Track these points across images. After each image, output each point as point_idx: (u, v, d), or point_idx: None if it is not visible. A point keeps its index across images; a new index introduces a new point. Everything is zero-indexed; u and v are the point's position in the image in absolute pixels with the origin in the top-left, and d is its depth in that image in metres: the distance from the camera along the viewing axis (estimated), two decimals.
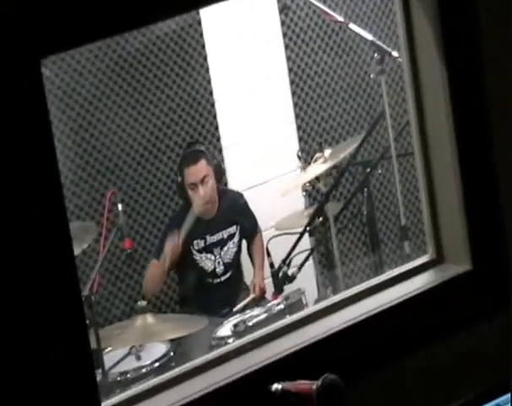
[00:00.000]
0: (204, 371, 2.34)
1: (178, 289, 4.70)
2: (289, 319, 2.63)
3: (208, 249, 4.54)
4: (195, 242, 4.52)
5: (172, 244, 4.31)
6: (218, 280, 4.56)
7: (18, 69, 1.97)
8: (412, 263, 2.83)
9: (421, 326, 2.61)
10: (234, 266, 4.62)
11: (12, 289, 2.01)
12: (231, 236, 4.61)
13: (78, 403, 2.04)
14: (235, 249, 4.61)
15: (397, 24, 2.74)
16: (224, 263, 4.57)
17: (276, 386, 2.06)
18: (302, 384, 2.03)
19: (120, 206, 4.17)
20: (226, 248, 4.58)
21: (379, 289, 2.70)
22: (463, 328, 2.65)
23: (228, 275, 4.59)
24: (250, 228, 4.69)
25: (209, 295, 4.51)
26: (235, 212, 4.65)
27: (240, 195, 4.77)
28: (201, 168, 4.45)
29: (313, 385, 1.98)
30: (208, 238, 4.56)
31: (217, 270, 4.55)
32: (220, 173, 4.57)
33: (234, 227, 4.62)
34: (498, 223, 2.73)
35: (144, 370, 3.55)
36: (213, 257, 4.55)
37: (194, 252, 4.52)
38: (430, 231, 2.81)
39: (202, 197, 4.42)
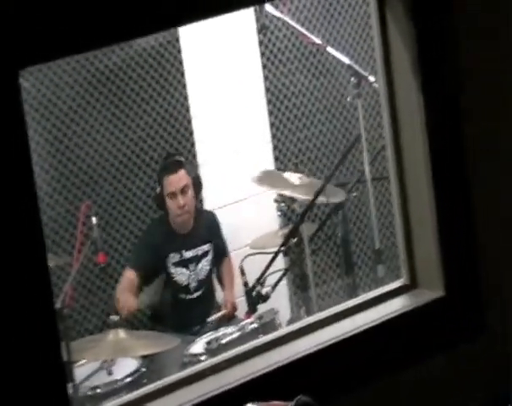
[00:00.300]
0: (177, 389, 2.34)
1: (150, 304, 4.69)
2: (263, 339, 2.64)
3: (183, 263, 4.56)
4: (171, 255, 4.54)
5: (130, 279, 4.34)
6: (191, 296, 4.56)
7: None
8: (386, 287, 2.86)
9: (394, 350, 2.63)
10: (207, 283, 4.63)
11: None
12: (205, 253, 4.63)
13: None
14: (208, 268, 4.63)
15: (374, 49, 2.77)
16: (198, 279, 4.58)
17: None
18: (276, 405, 2.03)
19: (94, 220, 4.16)
20: (200, 265, 4.60)
21: (354, 312, 2.72)
22: (435, 353, 2.67)
23: (201, 292, 4.59)
24: (220, 251, 4.72)
25: (182, 311, 4.51)
26: (209, 231, 4.67)
27: (213, 215, 4.79)
28: (181, 177, 4.47)
29: None
30: (183, 253, 4.57)
31: (191, 285, 4.56)
32: (198, 186, 4.59)
33: (208, 245, 4.64)
34: (471, 251, 2.77)
35: (115, 386, 3.52)
36: (187, 272, 4.57)
37: (170, 265, 4.55)
38: (404, 256, 2.84)
39: (181, 206, 4.44)
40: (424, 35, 2.65)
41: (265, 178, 4.72)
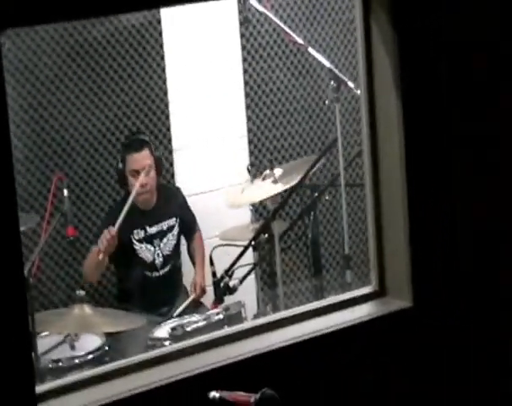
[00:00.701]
0: (141, 369, 2.35)
1: (117, 282, 4.70)
2: (230, 329, 2.66)
3: (148, 239, 4.56)
4: (135, 231, 4.54)
5: (108, 235, 4.31)
6: (157, 274, 4.56)
7: None
8: (355, 292, 2.89)
9: (357, 354, 2.66)
10: (173, 259, 4.63)
11: None
12: (171, 228, 4.63)
13: (13, 384, 2.04)
14: (174, 242, 4.63)
15: (357, 55, 2.80)
16: (163, 255, 4.59)
17: (214, 394, 2.08)
18: (240, 395, 2.06)
19: (66, 192, 4.14)
20: (165, 239, 4.61)
21: (321, 313, 2.74)
22: (397, 362, 2.71)
23: (167, 269, 4.59)
24: (189, 225, 4.71)
25: (148, 289, 4.50)
26: (174, 205, 4.67)
27: (178, 190, 4.81)
28: (145, 156, 4.48)
29: (252, 397, 2.01)
30: (148, 228, 4.57)
31: (156, 261, 4.56)
32: (160, 167, 4.59)
33: (174, 219, 4.64)
34: (441, 264, 2.80)
35: (76, 361, 3.49)
36: (152, 248, 4.57)
37: (135, 242, 4.54)
38: (375, 263, 2.87)
39: (144, 185, 4.44)
40: (407, 44, 2.67)
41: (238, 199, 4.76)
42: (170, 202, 4.65)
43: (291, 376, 2.47)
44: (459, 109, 2.79)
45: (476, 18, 2.78)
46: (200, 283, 4.56)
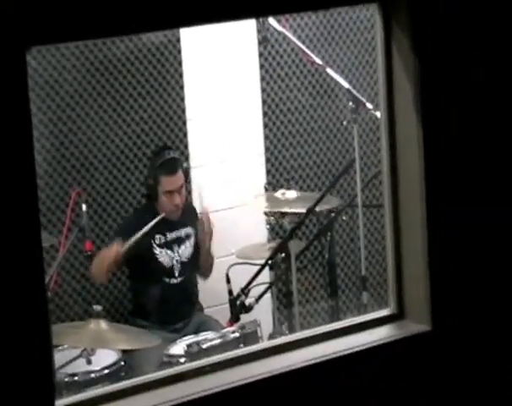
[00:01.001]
0: (158, 387, 2.34)
1: (132, 291, 4.71)
2: (247, 349, 2.64)
3: (168, 245, 4.63)
4: (157, 236, 4.60)
5: (117, 248, 4.34)
6: (174, 281, 4.62)
7: (3, 56, 2.00)
8: (373, 315, 2.87)
9: (374, 377, 2.65)
10: (190, 268, 4.69)
11: None
12: (188, 236, 4.71)
13: (33, 396, 2.04)
14: (191, 250, 4.69)
15: (377, 77, 2.79)
16: (181, 262, 4.65)
17: None
18: None
19: (84, 207, 4.17)
20: (183, 246, 4.67)
21: (339, 335, 2.72)
22: (416, 386, 2.69)
23: (184, 278, 4.65)
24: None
25: (165, 297, 4.55)
26: (191, 217, 4.74)
27: (194, 207, 4.87)
28: (179, 178, 4.55)
29: None
30: (167, 234, 4.65)
31: (174, 267, 4.63)
32: (187, 178, 4.68)
33: (190, 228, 4.71)
34: (461, 287, 2.78)
35: (92, 375, 3.52)
36: (172, 254, 4.64)
37: (155, 246, 4.60)
38: (393, 286, 2.85)
39: (177, 205, 4.54)
40: (428, 69, 2.67)
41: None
42: (189, 212, 4.72)
43: (309, 397, 2.45)
44: (480, 132, 2.78)
45: (502, 45, 2.78)
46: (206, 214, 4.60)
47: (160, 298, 4.55)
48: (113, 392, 2.30)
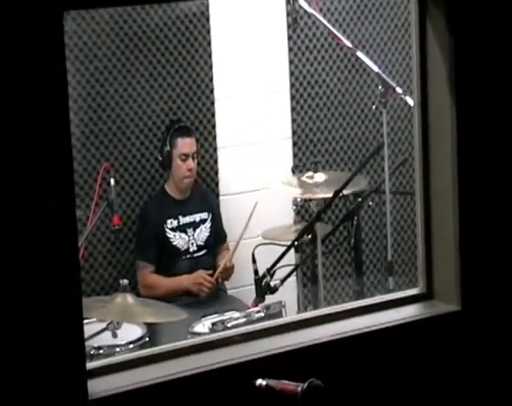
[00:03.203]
0: (187, 354, 2.35)
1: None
2: (274, 321, 2.65)
3: (181, 228, 4.69)
4: (169, 221, 4.67)
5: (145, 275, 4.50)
6: (191, 256, 4.69)
7: (41, 18, 2.02)
8: (401, 293, 2.86)
9: (402, 354, 2.64)
10: (208, 248, 4.75)
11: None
12: (204, 221, 4.75)
13: (65, 364, 2.05)
14: (207, 234, 4.74)
15: (411, 61, 2.77)
16: (197, 244, 4.71)
17: (261, 382, 2.07)
18: (287, 384, 2.04)
19: (112, 181, 4.18)
20: (198, 230, 4.73)
21: (367, 311, 2.72)
22: (444, 364, 2.68)
23: (202, 253, 4.71)
24: (217, 233, 4.79)
25: (183, 269, 4.62)
26: (206, 202, 4.80)
27: (213, 195, 4.93)
28: (193, 142, 4.70)
29: (299, 387, 2.00)
30: (181, 218, 4.70)
31: (190, 249, 4.70)
32: (198, 159, 4.78)
33: (206, 213, 4.76)
34: (490, 269, 2.77)
35: (117, 349, 3.54)
36: (186, 237, 4.69)
37: (168, 230, 4.66)
38: (422, 265, 2.84)
39: (192, 169, 4.64)
40: (463, 50, 2.64)
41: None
42: (202, 198, 4.81)
43: (336, 371, 2.45)
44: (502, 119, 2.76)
45: None
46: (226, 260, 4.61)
47: (178, 271, 4.62)
48: (141, 357, 2.31)
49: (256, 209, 4.97)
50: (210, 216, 4.76)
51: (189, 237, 4.70)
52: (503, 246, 2.79)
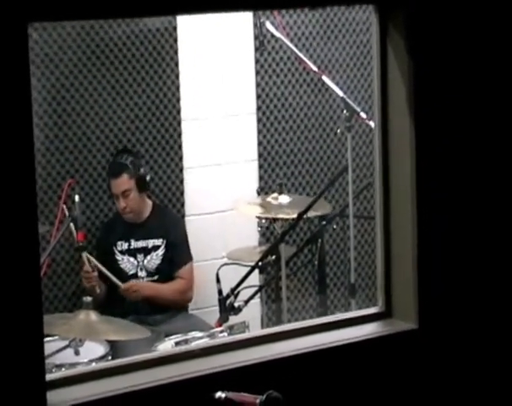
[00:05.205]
0: (145, 368, 2.36)
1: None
2: (235, 337, 2.68)
3: (131, 252, 4.70)
4: (119, 243, 4.69)
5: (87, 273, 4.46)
6: (141, 280, 4.68)
7: (4, 30, 2.04)
8: (361, 311, 2.91)
9: (360, 370, 2.68)
10: (159, 274, 4.71)
11: None
12: (156, 247, 4.74)
13: (24, 377, 2.06)
14: (158, 262, 4.73)
15: (373, 80, 2.82)
16: (147, 270, 4.71)
17: (220, 395, 2.09)
18: (246, 396, 2.06)
19: (77, 198, 4.19)
20: (149, 257, 4.72)
21: (327, 328, 2.76)
22: (401, 381, 2.72)
23: (154, 278, 4.69)
24: (177, 255, 4.76)
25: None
26: (164, 228, 4.76)
27: (177, 219, 4.91)
28: (122, 183, 4.64)
29: (257, 399, 2.02)
30: (132, 242, 4.71)
31: (139, 274, 4.69)
32: (143, 185, 4.70)
33: (160, 240, 4.74)
34: (447, 288, 2.82)
35: (79, 367, 3.51)
36: (135, 262, 4.70)
37: (116, 252, 4.68)
38: (382, 285, 2.89)
39: (122, 208, 4.63)
40: (423, 72, 2.70)
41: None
42: (160, 222, 4.76)
43: (295, 386, 2.48)
44: (475, 141, 2.81)
45: (496, 48, 2.82)
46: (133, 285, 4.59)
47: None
48: (101, 369, 2.32)
49: (221, 230, 5.00)
50: (165, 242, 4.73)
51: (138, 262, 4.70)
52: (459, 267, 2.85)
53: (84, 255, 4.40)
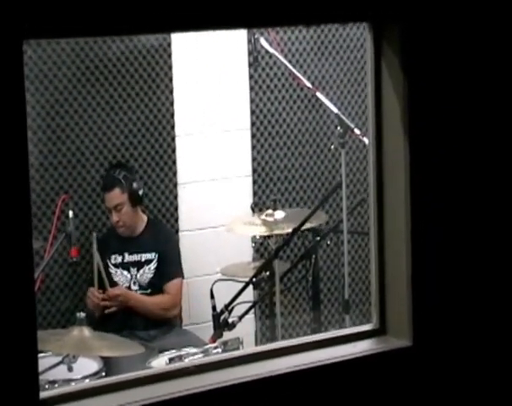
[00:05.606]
0: (140, 385, 2.35)
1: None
2: (229, 354, 2.66)
3: (124, 265, 4.74)
4: (113, 256, 4.73)
5: (92, 296, 4.52)
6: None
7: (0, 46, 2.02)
8: (355, 328, 2.90)
9: (355, 387, 2.67)
10: (152, 288, 4.75)
11: None
12: (148, 261, 4.77)
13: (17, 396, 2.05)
14: (150, 276, 4.76)
15: (367, 97, 2.82)
16: (140, 284, 4.74)
17: None
18: None
19: (71, 213, 4.19)
20: (141, 271, 4.76)
21: (321, 345, 2.75)
22: (394, 400, 2.71)
23: (147, 292, 4.73)
24: (168, 269, 4.78)
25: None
26: (157, 242, 4.79)
27: (172, 235, 4.96)
28: (114, 197, 4.69)
29: None
30: (126, 255, 4.75)
31: (132, 287, 4.73)
32: (136, 200, 4.74)
33: (153, 254, 4.78)
34: (442, 305, 2.82)
35: (73, 384, 3.49)
36: (129, 275, 4.74)
37: (110, 265, 4.71)
38: (376, 302, 2.88)
39: (115, 222, 4.69)
40: (418, 91, 2.70)
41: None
42: (154, 237, 4.80)
43: (290, 403, 2.47)
44: (470, 158, 2.82)
45: (492, 66, 2.83)
46: (116, 291, 4.60)
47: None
48: (95, 387, 2.31)
49: (215, 245, 5.01)
50: (157, 256, 4.77)
51: (132, 275, 4.73)
52: (455, 284, 2.84)
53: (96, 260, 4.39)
